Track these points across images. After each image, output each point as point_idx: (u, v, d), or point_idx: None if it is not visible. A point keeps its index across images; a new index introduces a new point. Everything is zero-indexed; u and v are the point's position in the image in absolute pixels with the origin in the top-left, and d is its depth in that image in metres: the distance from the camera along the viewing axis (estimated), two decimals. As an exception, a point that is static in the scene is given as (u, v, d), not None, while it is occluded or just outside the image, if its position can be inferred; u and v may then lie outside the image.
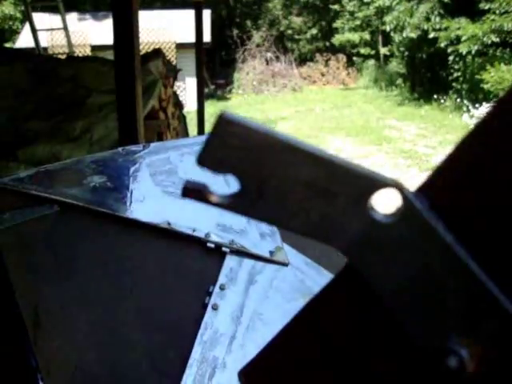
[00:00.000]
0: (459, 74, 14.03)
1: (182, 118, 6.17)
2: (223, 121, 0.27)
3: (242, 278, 0.98)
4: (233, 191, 0.29)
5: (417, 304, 0.28)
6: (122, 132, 2.91)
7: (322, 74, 20.43)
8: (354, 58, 20.44)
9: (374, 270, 0.30)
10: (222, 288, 0.95)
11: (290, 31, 22.28)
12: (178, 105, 5.92)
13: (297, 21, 22.33)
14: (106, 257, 0.98)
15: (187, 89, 13.79)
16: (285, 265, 1.04)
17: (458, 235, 0.27)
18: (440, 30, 13.87)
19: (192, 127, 7.46)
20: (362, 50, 19.19)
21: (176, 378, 0.81)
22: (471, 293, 0.26)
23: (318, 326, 0.35)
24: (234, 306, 0.93)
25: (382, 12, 17.23)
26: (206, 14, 13.58)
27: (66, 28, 7.88)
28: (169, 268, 0.98)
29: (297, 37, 22.29)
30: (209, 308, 0.91)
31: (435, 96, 14.74)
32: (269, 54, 19.82)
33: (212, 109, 14.44)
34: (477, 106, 12.17)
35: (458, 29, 13.19)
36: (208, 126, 8.85)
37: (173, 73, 5.47)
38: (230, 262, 1.00)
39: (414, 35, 14.83)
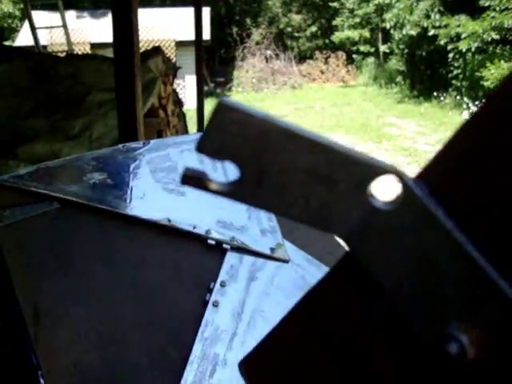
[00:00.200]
0: (459, 71, 14.01)
1: (182, 116, 6.17)
2: (222, 107, 0.26)
3: (242, 275, 0.97)
4: (232, 179, 0.29)
5: (417, 290, 0.28)
6: (121, 130, 2.91)
7: (322, 72, 20.41)
8: (354, 56, 20.41)
9: (374, 258, 0.30)
10: (222, 285, 0.95)
11: (289, 29, 22.25)
12: (178, 103, 5.91)
13: (296, 18, 22.30)
14: (107, 254, 0.98)
15: (187, 87, 13.77)
16: (285, 261, 1.03)
17: (458, 221, 0.27)
18: (440, 27, 13.85)
19: (192, 125, 7.45)
20: (362, 48, 19.17)
21: (177, 376, 0.80)
22: (471, 278, 0.25)
23: (317, 316, 0.35)
24: (235, 302, 0.92)
25: (381, 9, 17.21)
26: (206, 12, 13.55)
27: (65, 26, 7.87)
28: (169, 265, 0.98)
29: (296, 34, 22.27)
30: (209, 305, 0.91)
31: (435, 93, 14.73)
32: (268, 52, 19.80)
33: (212, 106, 14.43)
34: (477, 103, 12.16)
35: (458, 26, 13.17)
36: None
37: (172, 70, 5.47)
38: (231, 258, 1.00)
39: (413, 32, 14.81)
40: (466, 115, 12.03)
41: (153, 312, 0.90)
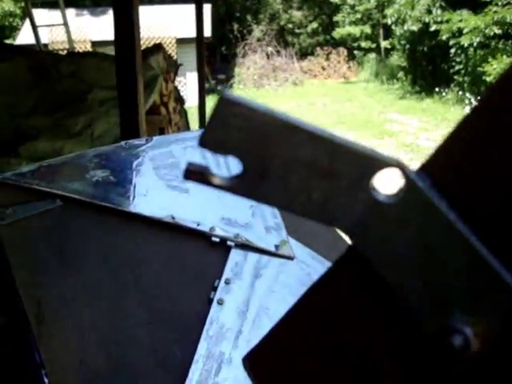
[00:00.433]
0: (461, 66, 13.97)
1: (184, 113, 6.16)
2: (224, 101, 0.26)
3: (247, 272, 0.97)
4: (235, 173, 0.29)
5: (420, 282, 0.28)
6: (123, 127, 2.90)
7: (323, 68, 20.37)
8: (355, 52, 20.36)
9: (376, 250, 0.30)
10: (227, 282, 0.94)
11: (290, 25, 22.21)
12: (180, 100, 5.90)
13: (297, 15, 22.25)
14: (110, 251, 0.97)
15: (188, 84, 13.77)
16: (290, 258, 1.03)
17: (461, 213, 0.27)
18: (441, 22, 13.80)
19: (193, 122, 7.44)
20: (363, 44, 19.13)
21: (182, 374, 0.80)
22: (473, 269, 0.25)
23: (319, 311, 0.35)
24: (240, 300, 0.92)
25: (382, 5, 17.17)
26: (207, 9, 13.52)
27: (66, 24, 7.86)
28: (173, 262, 0.97)
29: (297, 31, 22.22)
30: (214, 303, 0.90)
31: (437, 89, 14.69)
32: (269, 49, 19.77)
33: (213, 103, 14.43)
34: (479, 98, 12.14)
35: (460, 21, 13.12)
36: (209, 121, 8.81)
37: (173, 68, 5.45)
38: (236, 256, 0.99)
39: (415, 28, 14.77)
40: (468, 111, 12.02)
41: (157, 310, 0.89)
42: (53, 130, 3.94)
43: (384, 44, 18.49)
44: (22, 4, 9.85)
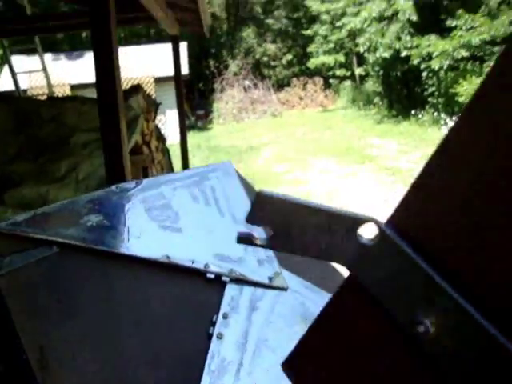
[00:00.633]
0: (434, 88, 14.34)
1: (166, 151, 6.21)
2: (261, 196, 0.43)
3: (243, 306, 0.99)
4: (269, 235, 0.45)
5: (396, 293, 0.42)
6: (109, 168, 2.92)
7: (301, 98, 20.72)
8: (331, 80, 20.80)
9: (367, 276, 0.44)
10: (225, 317, 0.96)
11: (265, 58, 22.64)
12: (161, 138, 5.95)
13: (271, 48, 22.72)
14: (108, 294, 0.99)
15: (168, 121, 13.87)
16: (284, 289, 1.05)
17: (419, 250, 0.41)
18: (411, 47, 14.23)
19: (176, 159, 7.48)
20: (338, 72, 19.54)
21: (187, 410, 0.81)
22: (428, 284, 0.40)
23: (333, 326, 0.48)
24: (239, 333, 0.94)
25: (354, 34, 17.63)
26: (183, 47, 13.76)
27: (45, 69, 7.93)
28: (171, 301, 1.00)
29: (273, 63, 22.65)
30: (214, 337, 0.92)
31: (413, 112, 15.02)
32: (246, 82, 20.08)
33: (194, 140, 14.49)
34: (454, 118, 12.41)
35: (429, 46, 13.54)
36: (191, 158, 8.88)
37: (154, 107, 5.52)
38: (231, 290, 1.01)
39: (387, 55, 15.19)
40: (444, 130, 12.25)
41: (159, 349, 0.91)
42: (37, 175, 3.95)
43: (358, 71, 18.92)
44: (1, 51, 9.92)
